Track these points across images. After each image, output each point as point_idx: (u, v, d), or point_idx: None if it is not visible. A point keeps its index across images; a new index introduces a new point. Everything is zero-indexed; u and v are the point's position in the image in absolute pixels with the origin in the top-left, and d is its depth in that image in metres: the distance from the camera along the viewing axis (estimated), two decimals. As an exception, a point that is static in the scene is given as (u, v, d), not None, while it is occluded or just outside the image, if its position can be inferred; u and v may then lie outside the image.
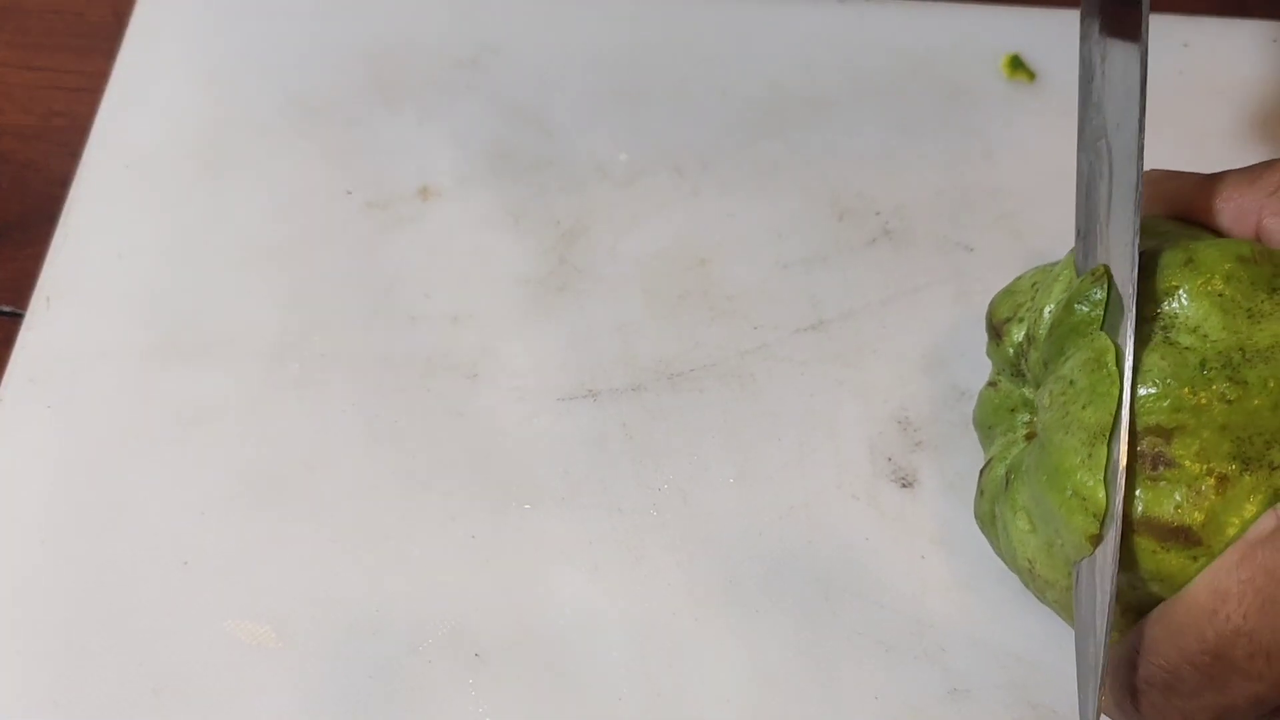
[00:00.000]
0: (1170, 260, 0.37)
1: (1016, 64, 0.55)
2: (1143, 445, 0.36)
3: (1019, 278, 0.43)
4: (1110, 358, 0.37)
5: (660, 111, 0.54)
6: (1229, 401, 0.35)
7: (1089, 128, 0.40)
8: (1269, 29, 0.55)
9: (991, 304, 0.43)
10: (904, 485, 0.46)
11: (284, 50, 0.56)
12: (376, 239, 0.51)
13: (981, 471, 0.42)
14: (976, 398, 0.43)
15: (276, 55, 0.56)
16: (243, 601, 0.44)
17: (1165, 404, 0.35)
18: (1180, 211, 0.40)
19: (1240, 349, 0.36)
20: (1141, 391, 0.36)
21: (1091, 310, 0.38)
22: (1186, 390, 0.35)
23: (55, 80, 0.57)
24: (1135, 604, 0.37)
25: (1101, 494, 0.36)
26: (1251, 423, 0.35)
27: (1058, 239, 0.51)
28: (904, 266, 0.50)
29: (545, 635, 0.44)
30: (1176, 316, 0.37)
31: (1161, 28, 0.55)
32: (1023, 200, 0.52)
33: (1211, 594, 0.34)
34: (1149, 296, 0.37)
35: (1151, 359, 0.36)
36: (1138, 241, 0.37)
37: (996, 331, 0.42)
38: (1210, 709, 0.34)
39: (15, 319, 0.50)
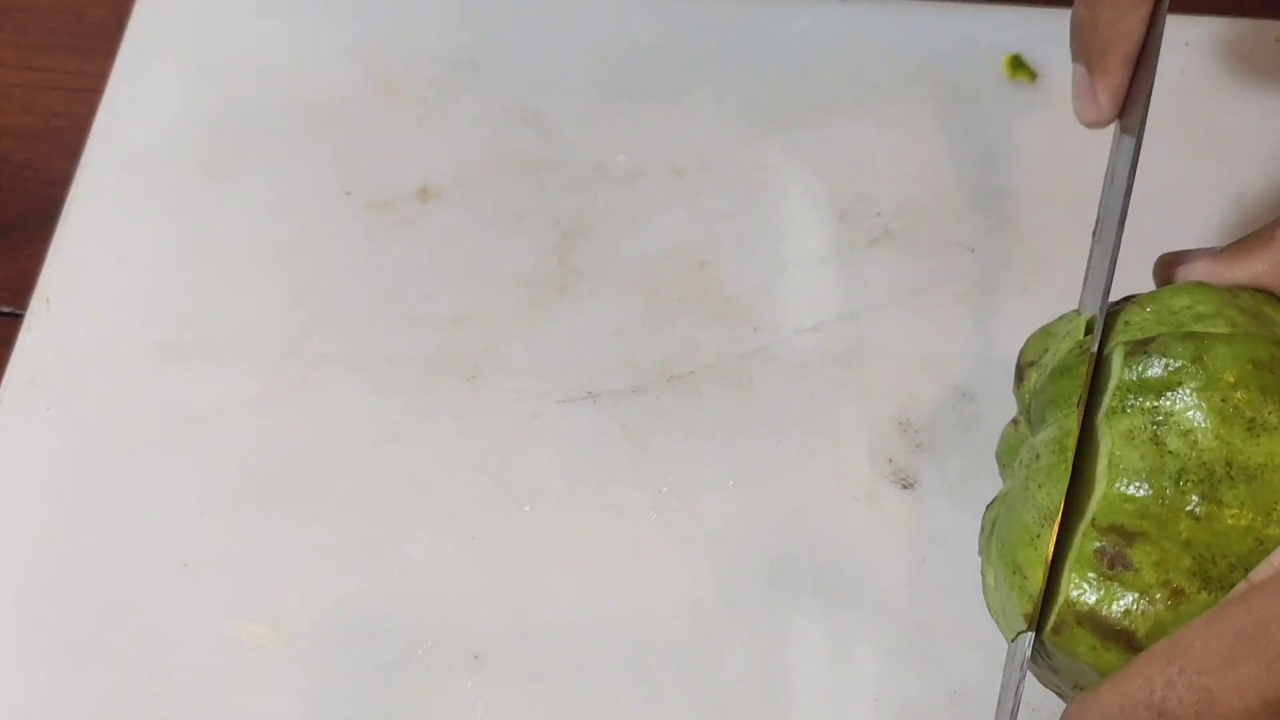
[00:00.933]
0: (1180, 351, 0.35)
1: (1017, 64, 0.55)
2: (1104, 543, 0.35)
3: (1059, 319, 0.41)
4: (1071, 443, 0.36)
5: (660, 111, 0.54)
6: (1197, 519, 0.34)
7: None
8: (1269, 29, 0.55)
9: (1025, 343, 0.41)
10: (904, 487, 0.46)
11: (284, 50, 0.56)
12: (376, 239, 0.51)
13: (989, 505, 0.41)
14: (995, 426, 0.43)
15: (276, 55, 0.56)
16: (243, 601, 0.44)
17: (1130, 507, 0.34)
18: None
19: (1228, 463, 0.34)
20: (1114, 488, 0.35)
21: (1071, 385, 0.36)
22: (1155, 499, 0.34)
23: (55, 80, 0.57)
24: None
25: (1040, 578, 0.35)
26: (1216, 544, 0.34)
27: (1058, 240, 0.51)
28: (905, 268, 0.50)
29: (545, 636, 0.44)
30: (1172, 415, 0.34)
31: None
32: (1024, 201, 0.52)
33: (1171, 646, 0.32)
34: (1149, 386, 0.35)
35: (1132, 456, 0.35)
36: (1103, 318, 0.37)
37: (1020, 374, 0.40)
38: None
39: (15, 319, 0.50)
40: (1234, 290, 0.37)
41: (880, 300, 0.50)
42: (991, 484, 0.46)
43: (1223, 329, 0.35)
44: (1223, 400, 0.34)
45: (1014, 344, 0.48)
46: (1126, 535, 0.34)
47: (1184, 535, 0.34)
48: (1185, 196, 0.51)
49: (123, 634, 0.44)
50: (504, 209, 0.52)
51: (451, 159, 0.53)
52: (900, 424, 0.47)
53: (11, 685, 0.43)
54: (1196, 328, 0.36)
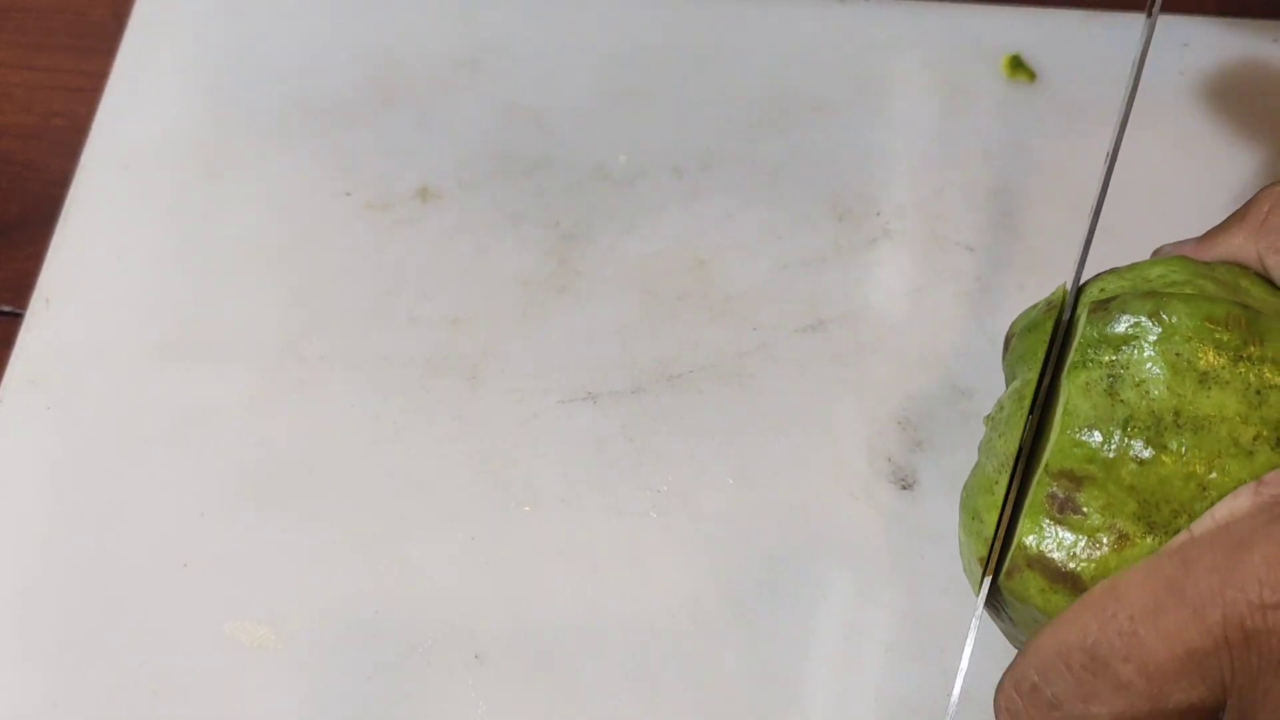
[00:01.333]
0: (1139, 307, 0.36)
1: (1017, 64, 0.55)
2: (1054, 487, 0.36)
3: (1050, 295, 0.42)
4: (1029, 391, 0.37)
5: (660, 111, 0.54)
6: (1140, 463, 0.34)
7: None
8: (1269, 29, 0.55)
9: (1016, 318, 0.42)
10: (903, 485, 0.46)
11: (284, 50, 0.56)
12: (376, 240, 0.51)
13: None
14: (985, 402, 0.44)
15: (276, 55, 0.56)
16: (242, 602, 0.44)
17: (1079, 452, 0.35)
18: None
19: (1176, 412, 0.35)
20: (1066, 434, 0.36)
21: (1037, 340, 0.38)
22: (1101, 443, 0.35)
23: (55, 80, 0.57)
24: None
25: (993, 522, 0.36)
26: (1159, 489, 0.34)
27: (1058, 239, 0.51)
28: (904, 267, 0.50)
29: (544, 636, 0.44)
30: (1128, 366, 0.35)
31: (1161, 28, 0.55)
32: (1023, 200, 0.52)
33: (1107, 591, 0.33)
34: (1109, 341, 0.36)
35: (1085, 405, 0.36)
36: (1079, 277, 0.37)
37: (1006, 343, 0.41)
38: None
39: (15, 319, 0.50)
40: (1212, 265, 0.38)
41: (879, 299, 0.50)
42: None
43: (1187, 291, 0.37)
44: (1176, 355, 0.35)
45: (1013, 343, 0.48)
46: (1075, 480, 0.35)
47: (1129, 480, 0.35)
48: (1184, 197, 0.51)
49: (123, 634, 0.44)
50: (504, 209, 0.52)
51: (451, 159, 0.53)
52: (899, 422, 0.47)
53: (11, 685, 0.43)
54: (1163, 290, 0.37)
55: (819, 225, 0.51)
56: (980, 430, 0.47)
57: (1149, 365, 0.35)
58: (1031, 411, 0.37)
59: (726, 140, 0.53)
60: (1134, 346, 0.36)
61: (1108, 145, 0.40)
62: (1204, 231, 0.39)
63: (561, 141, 0.53)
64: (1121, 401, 0.35)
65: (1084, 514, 0.35)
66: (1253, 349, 0.35)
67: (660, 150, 0.53)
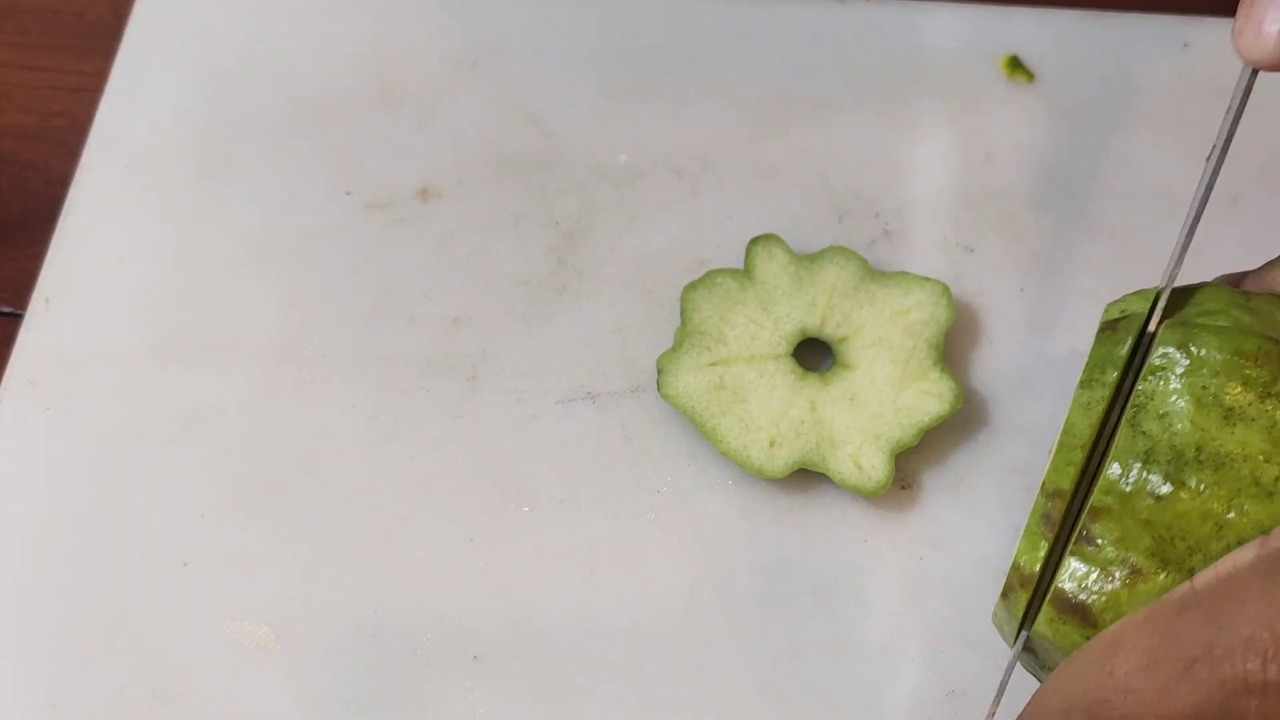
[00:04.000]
0: (1169, 338, 0.35)
1: (1015, 64, 0.55)
2: (1049, 507, 0.36)
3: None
4: (1070, 424, 0.37)
5: (660, 111, 0.54)
6: (1157, 498, 0.34)
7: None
8: (1269, 29, 0.55)
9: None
10: (903, 487, 0.46)
11: (284, 50, 0.56)
12: (376, 239, 0.51)
13: None
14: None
15: (276, 55, 0.56)
16: (243, 603, 0.44)
17: (1098, 484, 0.35)
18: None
19: (1197, 448, 0.34)
20: (1062, 454, 0.36)
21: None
22: (1120, 476, 0.35)
23: (55, 80, 0.57)
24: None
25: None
26: (1176, 525, 0.34)
27: (1056, 240, 0.51)
28: (904, 267, 0.50)
29: (544, 637, 0.44)
30: (1153, 398, 0.35)
31: (1161, 28, 0.55)
32: (1023, 201, 0.52)
33: (1108, 643, 0.33)
34: (1114, 362, 0.36)
35: (1083, 424, 0.36)
36: (1160, 312, 0.37)
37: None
38: None
39: (15, 319, 0.50)
40: (1249, 295, 0.37)
41: (879, 300, 0.50)
42: (989, 484, 0.46)
43: (1221, 323, 0.36)
44: (1203, 388, 0.34)
45: (1012, 344, 0.48)
46: (1094, 512, 0.35)
47: (1144, 514, 0.34)
48: (1184, 197, 0.51)
49: (123, 634, 0.44)
50: (504, 209, 0.52)
51: (451, 159, 0.53)
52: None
53: (11, 685, 0.43)
54: (1197, 320, 0.36)
55: (819, 225, 0.51)
56: (979, 432, 0.47)
57: (1174, 398, 0.35)
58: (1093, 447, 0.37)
59: (726, 140, 0.53)
60: (1160, 378, 0.35)
61: (1206, 165, 0.39)
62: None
63: (561, 141, 0.53)
64: (1143, 433, 0.35)
65: (1100, 547, 0.34)
66: None
67: (660, 150, 0.53)
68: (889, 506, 0.46)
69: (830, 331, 0.47)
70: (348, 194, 0.52)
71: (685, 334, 0.47)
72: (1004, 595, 0.37)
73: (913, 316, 0.47)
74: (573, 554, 0.45)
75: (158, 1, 0.57)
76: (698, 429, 0.45)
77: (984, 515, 0.45)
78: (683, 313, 0.47)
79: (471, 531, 0.45)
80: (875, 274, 0.48)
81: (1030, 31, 0.55)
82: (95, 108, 0.54)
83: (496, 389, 0.48)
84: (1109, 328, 0.37)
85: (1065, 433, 0.36)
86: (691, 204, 0.52)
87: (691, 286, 0.48)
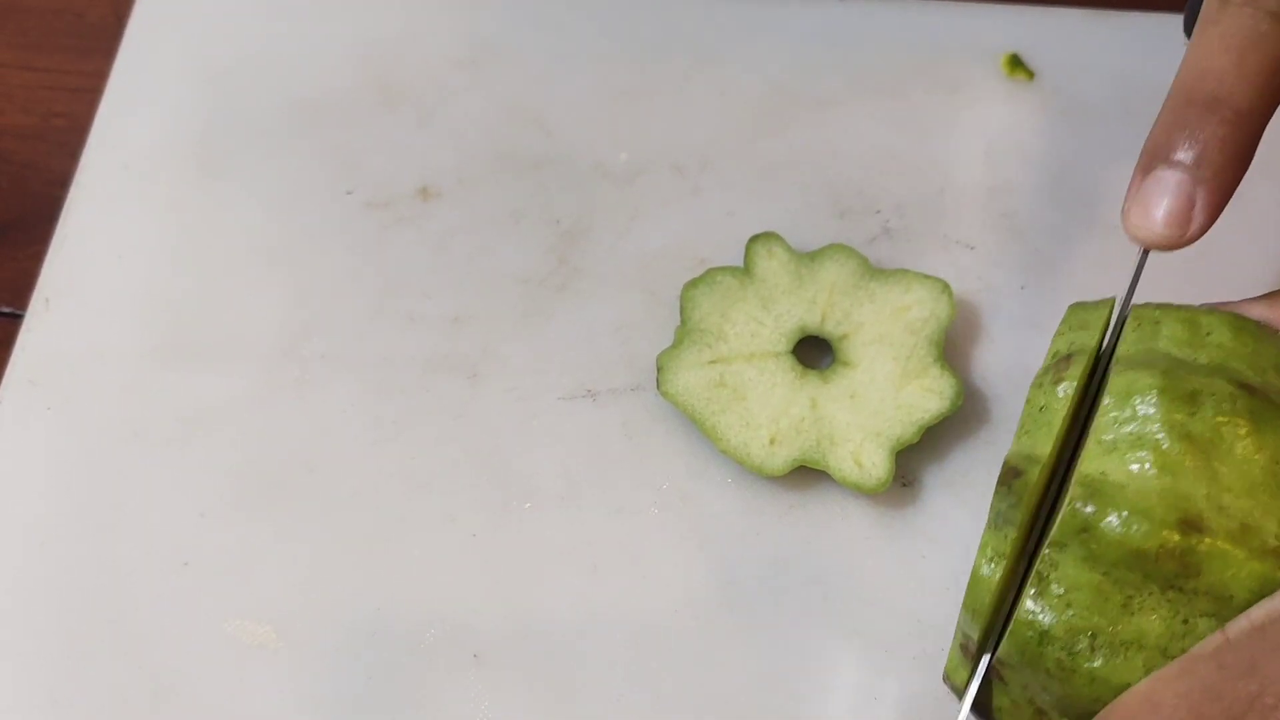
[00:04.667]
0: (1070, 520, 0.33)
1: (1015, 63, 0.55)
2: (994, 659, 0.36)
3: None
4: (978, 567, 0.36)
5: (660, 111, 0.54)
6: (1053, 675, 0.34)
7: None
8: (1269, 27, 0.55)
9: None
10: (903, 484, 0.46)
11: (284, 50, 0.56)
12: (376, 239, 0.51)
13: None
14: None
15: (276, 55, 0.56)
16: (243, 602, 0.44)
17: (1004, 640, 0.35)
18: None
19: (1093, 635, 0.33)
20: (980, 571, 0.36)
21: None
22: (1019, 649, 0.34)
23: (55, 80, 0.57)
24: None
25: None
26: (1076, 693, 0.34)
27: (1057, 237, 0.51)
28: (904, 264, 0.50)
29: (544, 635, 0.44)
30: (1056, 567, 0.34)
31: (1162, 27, 0.55)
32: (1023, 198, 0.52)
33: (1144, 702, 0.32)
34: (1050, 536, 0.34)
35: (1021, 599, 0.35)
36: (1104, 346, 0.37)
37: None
38: None
39: (15, 319, 0.50)
40: (1261, 347, 0.36)
41: (880, 298, 0.50)
42: (990, 481, 0.46)
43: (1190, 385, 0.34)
44: (1104, 575, 0.33)
45: (1012, 341, 0.48)
46: (1000, 662, 0.35)
47: (1044, 681, 0.34)
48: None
49: (123, 634, 0.44)
50: (504, 208, 0.52)
51: (451, 159, 0.53)
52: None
53: (11, 685, 0.43)
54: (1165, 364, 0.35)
55: (819, 223, 0.51)
56: (980, 429, 0.47)
57: (1074, 574, 0.34)
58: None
59: (726, 139, 0.53)
60: (1062, 549, 0.34)
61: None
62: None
63: (562, 140, 0.53)
64: (1034, 616, 0.34)
65: (1009, 688, 0.36)
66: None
67: (660, 149, 0.53)
68: (889, 504, 0.46)
69: (830, 329, 0.47)
70: (348, 194, 0.52)
71: (685, 332, 0.47)
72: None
73: (913, 314, 0.46)
74: (573, 552, 0.45)
75: (158, 2, 0.57)
76: (698, 427, 0.45)
77: (985, 512, 0.45)
78: (683, 310, 0.47)
79: (472, 530, 0.45)
80: (875, 271, 0.48)
81: (1030, 30, 0.55)
82: (95, 108, 0.54)
83: (497, 387, 0.48)
84: (1005, 479, 0.36)
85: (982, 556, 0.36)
86: (692, 202, 0.52)
87: (692, 284, 0.48)
